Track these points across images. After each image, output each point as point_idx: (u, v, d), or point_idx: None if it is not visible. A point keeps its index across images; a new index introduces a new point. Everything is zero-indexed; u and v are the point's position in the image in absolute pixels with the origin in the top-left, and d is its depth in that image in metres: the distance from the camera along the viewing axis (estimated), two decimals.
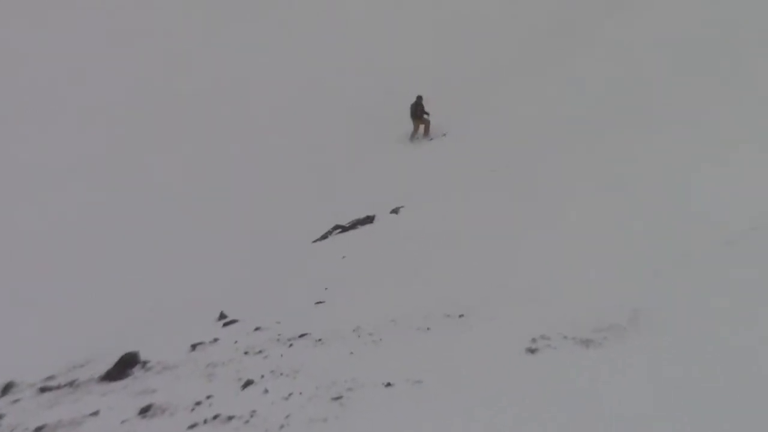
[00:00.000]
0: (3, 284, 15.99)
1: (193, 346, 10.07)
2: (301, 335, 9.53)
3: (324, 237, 17.44)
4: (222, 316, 11.93)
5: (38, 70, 28.87)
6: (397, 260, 13.23)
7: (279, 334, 9.90)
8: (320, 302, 11.50)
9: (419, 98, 26.15)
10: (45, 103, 27.12)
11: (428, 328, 8.81)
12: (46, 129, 25.50)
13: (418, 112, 26.11)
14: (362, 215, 17.75)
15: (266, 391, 7.62)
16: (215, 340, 10.37)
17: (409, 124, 26.39)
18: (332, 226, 17.76)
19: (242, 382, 8.07)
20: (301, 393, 7.31)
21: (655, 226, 11.06)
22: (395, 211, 17.54)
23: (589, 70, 24.77)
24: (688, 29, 23.50)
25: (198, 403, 7.72)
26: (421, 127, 26.29)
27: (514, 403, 6.29)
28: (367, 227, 17.10)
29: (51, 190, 21.62)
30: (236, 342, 10.02)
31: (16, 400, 9.37)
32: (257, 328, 10.48)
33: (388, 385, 7.11)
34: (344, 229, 17.50)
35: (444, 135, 25.87)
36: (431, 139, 26.18)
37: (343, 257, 14.53)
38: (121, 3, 33.79)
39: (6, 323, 13.49)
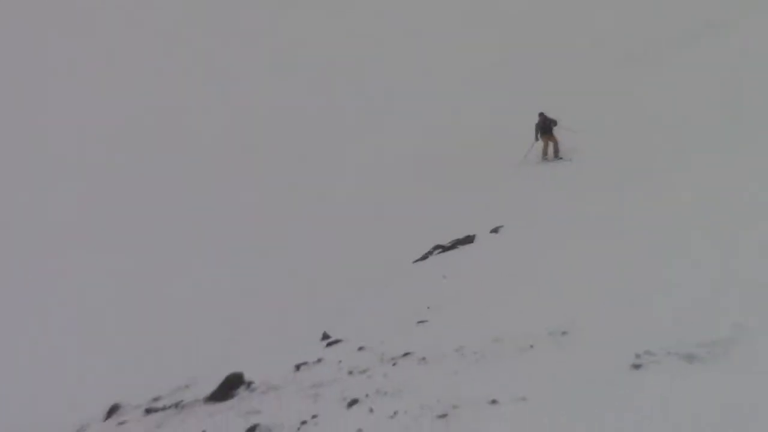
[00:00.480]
0: (106, 304, 16.44)
1: (297, 367, 10.19)
2: (405, 354, 9.56)
3: (424, 257, 17.48)
4: (325, 336, 12.09)
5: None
6: (498, 279, 13.19)
7: (382, 354, 9.97)
8: (423, 321, 11.54)
9: (541, 115, 25.10)
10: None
11: (531, 346, 8.69)
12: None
13: (546, 127, 24.95)
14: (462, 235, 17.77)
15: (371, 410, 7.63)
16: (319, 360, 10.48)
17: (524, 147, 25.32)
18: (432, 245, 17.79)
19: (347, 402, 8.11)
20: (406, 412, 7.29)
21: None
22: (495, 230, 17.48)
23: None
24: None
25: (304, 423, 7.81)
26: (551, 144, 25.19)
27: (620, 419, 6.20)
28: (468, 247, 17.09)
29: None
30: (340, 362, 10.09)
31: (123, 422, 9.71)
32: (361, 348, 10.58)
33: (493, 402, 7.04)
34: (444, 249, 17.52)
35: (570, 160, 24.87)
36: (561, 158, 25.12)
37: (444, 277, 14.55)
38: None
39: (109, 345, 13.86)
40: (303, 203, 23.25)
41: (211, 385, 9.84)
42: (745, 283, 9.14)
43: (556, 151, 25.10)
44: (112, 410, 10.42)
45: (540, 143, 25.17)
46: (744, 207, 12.19)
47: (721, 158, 16.32)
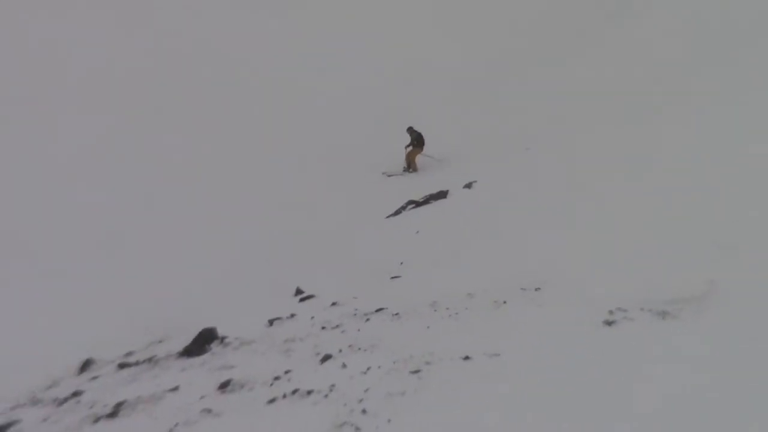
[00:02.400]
0: (75, 262, 16.30)
1: (271, 322, 10.26)
2: (378, 310, 9.65)
3: (397, 212, 17.51)
4: (298, 291, 12.17)
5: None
6: (471, 234, 13.27)
7: (356, 309, 10.07)
8: (396, 277, 11.65)
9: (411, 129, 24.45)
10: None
11: (505, 302, 8.79)
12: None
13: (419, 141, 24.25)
14: (435, 190, 17.79)
15: (344, 365, 7.66)
16: (292, 315, 10.53)
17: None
18: (406, 201, 17.80)
19: (320, 357, 8.14)
20: (379, 367, 7.34)
21: (730, 201, 10.90)
22: (468, 185, 17.49)
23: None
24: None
25: (277, 378, 7.81)
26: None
27: (592, 374, 6.26)
28: (441, 202, 17.12)
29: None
30: (313, 317, 10.17)
31: (95, 377, 9.69)
32: (334, 303, 10.68)
33: (466, 358, 7.09)
34: (418, 204, 17.56)
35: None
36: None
37: (417, 232, 14.61)
38: None
39: (82, 301, 13.83)
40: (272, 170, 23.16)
41: (185, 340, 9.88)
42: (718, 241, 9.24)
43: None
44: (85, 365, 10.43)
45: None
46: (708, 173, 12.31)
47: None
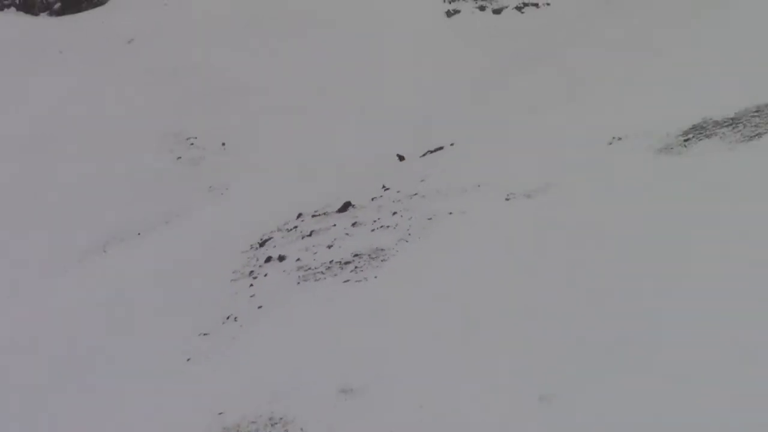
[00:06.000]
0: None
1: (373, 200, 16.26)
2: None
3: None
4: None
5: None
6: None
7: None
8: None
9: None
10: None
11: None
12: None
13: None
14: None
15: (400, 215, 14.53)
16: (385, 189, 16.51)
17: None
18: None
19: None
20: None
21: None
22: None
23: None
24: None
25: (375, 221, 13.86)
26: None
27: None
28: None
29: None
30: (399, 192, 15.80)
31: (302, 220, 16.07)
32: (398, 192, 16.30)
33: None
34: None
35: None
36: None
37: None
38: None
39: (295, 184, 19.82)
40: None
41: (338, 206, 16.27)
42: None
43: None
44: (299, 216, 16.45)
45: None
46: None
47: None
